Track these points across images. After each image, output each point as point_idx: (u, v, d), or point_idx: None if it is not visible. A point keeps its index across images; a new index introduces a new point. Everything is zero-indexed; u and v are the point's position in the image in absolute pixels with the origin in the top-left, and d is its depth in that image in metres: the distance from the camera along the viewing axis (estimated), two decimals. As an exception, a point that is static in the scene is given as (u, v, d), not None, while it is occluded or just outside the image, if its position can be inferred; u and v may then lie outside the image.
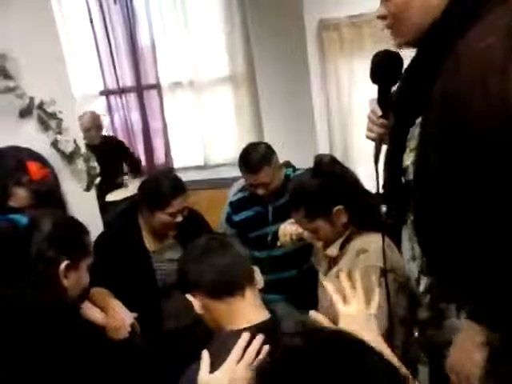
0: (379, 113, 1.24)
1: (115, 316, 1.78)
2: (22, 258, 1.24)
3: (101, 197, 3.48)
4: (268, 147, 2.32)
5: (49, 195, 1.66)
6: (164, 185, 2.02)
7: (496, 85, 0.51)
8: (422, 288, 1.25)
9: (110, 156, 4.17)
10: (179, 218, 2.03)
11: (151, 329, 1.97)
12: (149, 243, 2.11)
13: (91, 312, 1.82)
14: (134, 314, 1.81)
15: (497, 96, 0.51)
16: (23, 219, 1.28)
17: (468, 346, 1.02)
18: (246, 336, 1.09)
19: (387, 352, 0.87)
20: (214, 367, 1.09)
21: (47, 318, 1.18)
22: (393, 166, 1.21)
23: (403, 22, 1.07)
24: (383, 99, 1.22)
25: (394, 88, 1.21)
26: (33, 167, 1.64)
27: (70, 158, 2.31)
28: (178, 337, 2.12)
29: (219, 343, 1.15)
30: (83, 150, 2.44)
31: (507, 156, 0.51)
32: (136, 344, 1.85)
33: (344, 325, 1.00)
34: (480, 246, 0.55)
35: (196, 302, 1.23)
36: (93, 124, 4.24)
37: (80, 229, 1.40)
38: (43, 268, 1.25)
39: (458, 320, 1.14)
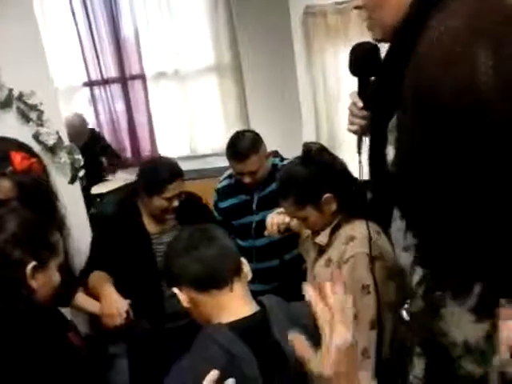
0: (360, 105, 1.24)
1: (109, 304, 1.79)
2: None
3: (86, 189, 3.45)
4: (256, 135, 2.31)
5: (34, 186, 1.62)
6: (160, 170, 2.07)
7: (463, 68, 0.51)
8: (415, 279, 1.24)
9: (93, 149, 4.12)
10: (176, 203, 2.07)
11: (153, 310, 2.03)
12: (149, 226, 2.15)
13: (85, 301, 1.82)
14: (128, 301, 1.82)
15: (465, 80, 0.51)
16: None
17: None
18: (215, 373, 1.05)
19: None
20: (201, 363, 1.07)
21: (15, 322, 1.15)
22: (376, 160, 1.20)
23: (376, 18, 1.09)
24: (363, 91, 1.22)
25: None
26: (17, 158, 1.60)
27: (52, 150, 2.27)
28: (179, 319, 2.13)
29: (206, 337, 1.13)
30: (66, 142, 2.40)
31: (481, 135, 0.51)
32: (137, 328, 1.87)
33: (336, 364, 0.80)
34: (470, 230, 0.54)
35: (182, 296, 1.20)
36: (81, 132, 4.18)
37: (47, 227, 1.35)
38: (9, 271, 1.21)
39: (453, 308, 1.13)
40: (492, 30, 0.53)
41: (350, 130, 1.29)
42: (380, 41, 1.14)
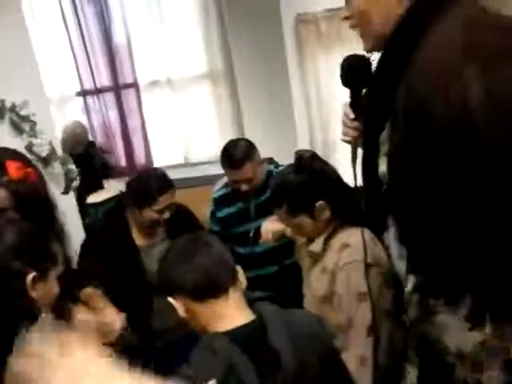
0: (352, 116, 1.24)
1: (105, 318, 1.78)
2: None
3: (81, 199, 3.44)
4: (249, 143, 2.32)
5: (31, 195, 1.61)
6: (150, 182, 2.05)
7: (455, 90, 0.52)
8: (409, 287, 1.24)
9: (88, 158, 4.12)
10: (166, 215, 2.05)
11: (141, 326, 1.98)
12: (138, 240, 2.13)
13: (81, 314, 1.80)
14: (124, 315, 1.80)
15: (456, 102, 0.52)
16: None
17: None
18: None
19: None
20: (199, 373, 1.06)
21: (16, 333, 1.14)
22: (368, 171, 1.22)
23: (365, 26, 1.11)
24: (355, 102, 1.23)
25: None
26: (12, 167, 1.59)
27: (46, 161, 2.27)
28: (166, 335, 2.11)
29: (204, 346, 1.13)
30: (60, 152, 2.40)
31: (471, 160, 0.52)
32: (128, 342, 1.85)
33: None
34: (458, 242, 0.55)
35: (179, 306, 1.20)
36: (81, 140, 4.18)
37: (46, 237, 1.34)
38: (8, 281, 1.20)
39: (447, 316, 1.14)
40: (486, 49, 0.53)
41: (344, 141, 1.30)
42: (371, 50, 1.15)
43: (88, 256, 2.09)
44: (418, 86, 0.54)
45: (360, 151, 1.26)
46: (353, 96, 1.23)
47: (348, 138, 1.27)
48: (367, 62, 1.18)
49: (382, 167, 1.14)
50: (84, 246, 2.21)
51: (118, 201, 2.30)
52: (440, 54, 0.54)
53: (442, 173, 0.52)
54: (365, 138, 1.20)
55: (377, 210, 1.25)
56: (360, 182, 1.27)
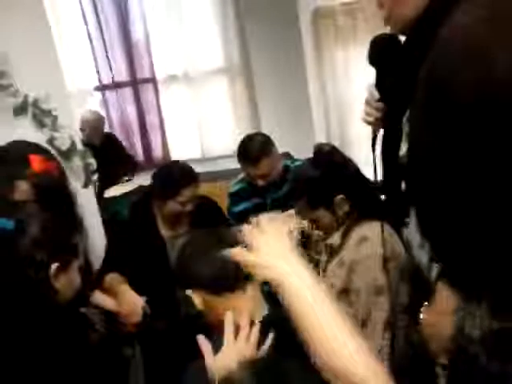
0: (377, 96, 1.22)
1: (126, 301, 1.81)
2: (10, 263, 1.21)
3: (100, 193, 3.48)
4: (266, 138, 2.31)
5: (52, 189, 1.64)
6: (175, 174, 2.08)
7: (481, 60, 0.51)
8: (433, 276, 1.23)
9: (106, 152, 4.16)
10: (189, 207, 2.07)
11: (169, 313, 2.01)
12: (163, 231, 2.16)
13: (102, 299, 1.84)
14: (144, 298, 1.83)
15: (483, 72, 0.51)
16: (9, 223, 1.25)
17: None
18: (229, 315, 1.08)
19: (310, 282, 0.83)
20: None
21: (40, 324, 1.17)
22: (388, 154, 1.19)
23: (397, 13, 1.07)
24: (381, 82, 1.20)
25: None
26: (35, 160, 1.62)
27: (66, 154, 2.30)
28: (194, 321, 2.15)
29: (220, 335, 1.14)
30: (80, 146, 2.43)
31: (497, 129, 0.51)
32: (153, 326, 1.88)
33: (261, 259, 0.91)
34: (480, 226, 0.54)
35: (196, 298, 1.21)
36: (96, 127, 4.23)
37: (68, 229, 1.36)
38: (32, 272, 1.22)
39: (468, 306, 1.13)
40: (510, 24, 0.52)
41: (366, 121, 1.27)
42: (396, 33, 1.12)
43: (115, 246, 2.13)
44: (443, 58, 0.54)
45: (380, 135, 1.24)
46: (379, 76, 1.20)
47: (370, 119, 1.25)
48: (396, 41, 1.16)
49: (404, 148, 1.12)
50: (111, 236, 2.26)
51: (143, 192, 2.33)
52: (468, 27, 0.54)
53: (464, 145, 0.51)
54: (387, 119, 1.17)
55: (396, 194, 1.23)
56: (379, 170, 1.24)
